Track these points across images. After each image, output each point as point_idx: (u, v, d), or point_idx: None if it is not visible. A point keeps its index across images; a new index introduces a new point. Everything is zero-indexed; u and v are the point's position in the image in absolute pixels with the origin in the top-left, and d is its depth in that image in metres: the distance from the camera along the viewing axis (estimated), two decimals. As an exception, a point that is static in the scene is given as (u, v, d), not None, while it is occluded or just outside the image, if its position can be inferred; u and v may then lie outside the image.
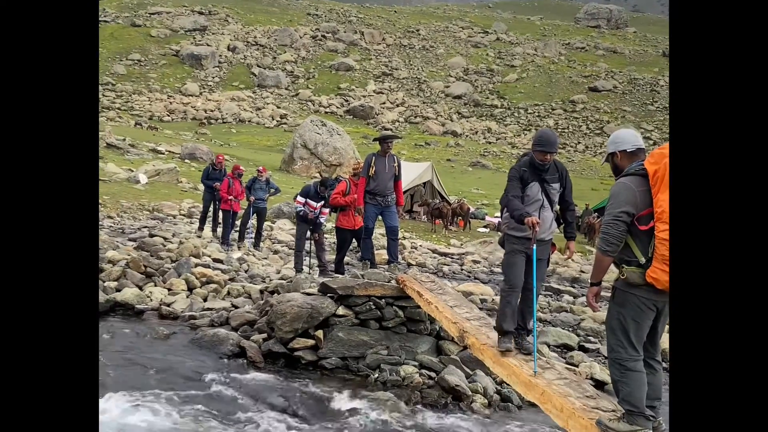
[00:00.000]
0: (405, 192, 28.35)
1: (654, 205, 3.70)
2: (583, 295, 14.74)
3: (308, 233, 11.60)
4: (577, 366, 8.64)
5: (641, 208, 3.76)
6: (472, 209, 29.60)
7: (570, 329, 10.59)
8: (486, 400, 7.32)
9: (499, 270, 17.53)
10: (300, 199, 11.35)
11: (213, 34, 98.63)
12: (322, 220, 11.58)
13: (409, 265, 16.05)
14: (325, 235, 12.54)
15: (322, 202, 11.37)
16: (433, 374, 7.67)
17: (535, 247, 5.33)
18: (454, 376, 7.40)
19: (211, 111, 73.04)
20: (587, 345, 10.00)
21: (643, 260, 3.78)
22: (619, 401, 3.96)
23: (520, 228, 5.53)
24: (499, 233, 21.64)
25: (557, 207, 5.81)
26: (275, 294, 9.34)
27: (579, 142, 74.45)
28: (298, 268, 11.48)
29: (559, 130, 77.64)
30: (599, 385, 8.01)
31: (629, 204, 3.76)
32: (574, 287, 15.63)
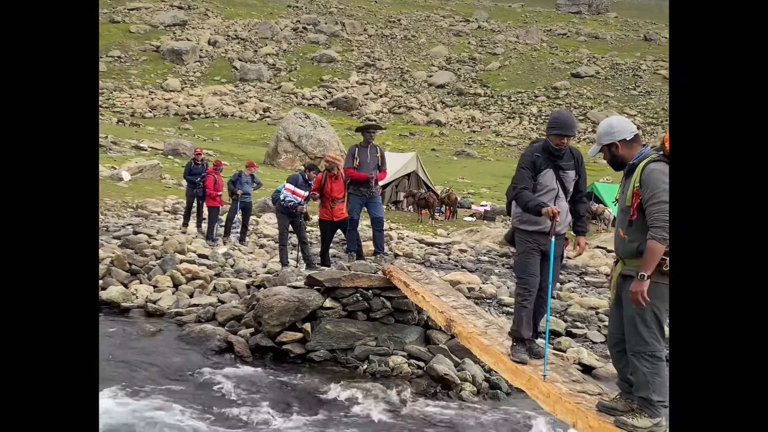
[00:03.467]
0: (390, 183, 28.39)
1: None
2: (570, 281, 14.79)
3: (290, 226, 11.49)
4: (564, 351, 8.69)
5: None
6: (458, 198, 29.61)
7: (557, 315, 10.63)
8: (475, 388, 7.35)
9: (486, 258, 17.56)
10: (289, 186, 11.15)
11: (193, 28, 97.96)
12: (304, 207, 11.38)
13: (396, 255, 16.04)
14: (308, 229, 12.46)
15: (308, 192, 11.27)
16: (421, 364, 7.68)
17: (553, 240, 4.83)
18: (443, 365, 7.42)
19: (194, 106, 72.60)
20: (574, 330, 10.04)
21: None
22: (648, 395, 3.76)
23: (533, 221, 5.03)
24: (485, 221, 21.59)
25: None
26: (262, 288, 9.30)
27: (563, 129, 74.66)
28: (284, 262, 11.43)
29: (543, 117, 77.78)
30: (587, 369, 8.07)
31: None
32: (561, 273, 15.67)
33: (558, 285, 13.51)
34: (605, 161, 4.15)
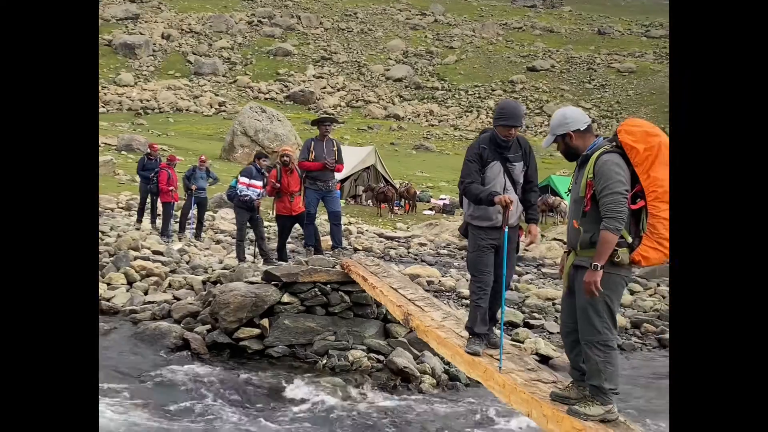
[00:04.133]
0: (348, 177, 28.33)
1: (649, 184, 3.63)
2: (527, 272, 14.95)
3: (248, 222, 11.37)
4: (522, 342, 8.77)
5: (630, 186, 3.70)
6: (417, 192, 29.71)
7: (515, 307, 10.73)
8: (434, 380, 7.37)
9: (445, 251, 17.65)
10: (243, 179, 11.02)
11: (146, 22, 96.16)
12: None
13: (356, 250, 16.03)
14: (265, 224, 12.34)
15: (265, 181, 11.10)
16: (381, 357, 7.68)
17: (507, 230, 4.70)
18: (402, 358, 7.42)
19: (147, 101, 71.33)
20: (532, 321, 10.15)
21: (630, 240, 3.71)
22: (600, 383, 3.78)
23: (486, 216, 4.93)
24: (444, 215, 21.67)
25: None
26: (218, 284, 9.21)
27: (519, 122, 75.26)
28: (241, 258, 11.31)
29: (500, 110, 78.31)
30: (544, 359, 8.15)
31: (627, 182, 3.68)
32: (519, 265, 15.84)
33: (515, 277, 13.64)
34: (559, 152, 4.13)
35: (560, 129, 3.99)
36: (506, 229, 4.71)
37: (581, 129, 3.96)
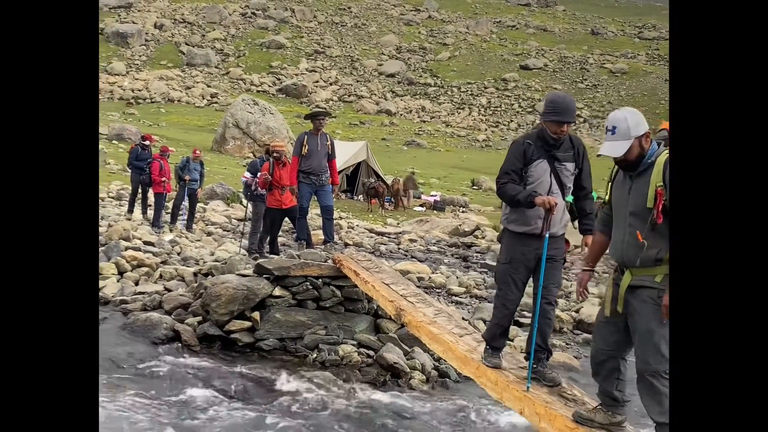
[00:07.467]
0: (340, 172, 28.24)
1: None
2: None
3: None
4: (512, 340, 8.81)
5: None
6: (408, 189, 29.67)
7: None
8: (424, 377, 7.40)
9: (435, 248, 17.66)
10: (247, 174, 11.05)
11: (139, 11, 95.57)
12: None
13: (346, 245, 16.03)
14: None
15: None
16: (371, 352, 7.70)
17: (547, 237, 4.17)
18: (393, 354, 7.45)
19: (139, 90, 70.89)
20: (521, 320, 10.19)
21: None
22: (666, 419, 3.25)
23: (525, 220, 4.34)
24: (435, 211, 21.63)
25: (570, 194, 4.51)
26: (209, 276, 9.19)
27: (512, 121, 75.43)
28: (255, 250, 11.16)
29: (492, 108, 78.50)
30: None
31: None
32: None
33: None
34: (629, 159, 3.44)
35: (641, 128, 3.42)
36: (546, 235, 4.20)
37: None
